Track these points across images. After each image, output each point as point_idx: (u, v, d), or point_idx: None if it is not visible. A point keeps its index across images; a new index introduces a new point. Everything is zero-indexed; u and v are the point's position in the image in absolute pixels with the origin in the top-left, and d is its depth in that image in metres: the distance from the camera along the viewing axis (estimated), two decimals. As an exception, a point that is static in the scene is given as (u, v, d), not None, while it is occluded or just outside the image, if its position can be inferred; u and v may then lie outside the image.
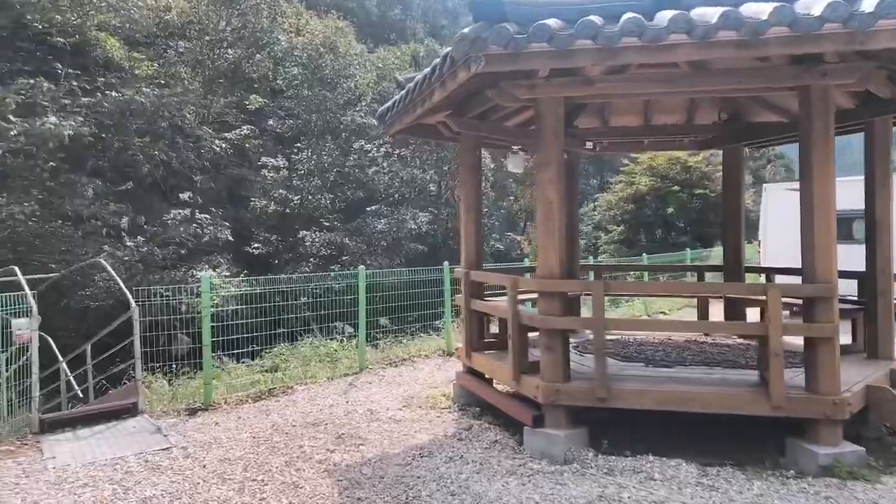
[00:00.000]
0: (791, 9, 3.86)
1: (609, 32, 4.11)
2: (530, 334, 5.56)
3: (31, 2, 15.41)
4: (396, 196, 22.19)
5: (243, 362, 8.60)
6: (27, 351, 6.31)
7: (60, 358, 8.78)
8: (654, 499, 4.05)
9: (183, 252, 16.86)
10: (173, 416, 6.60)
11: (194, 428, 6.11)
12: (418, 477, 4.58)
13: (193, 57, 20.06)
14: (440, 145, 21.30)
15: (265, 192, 20.51)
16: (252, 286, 9.22)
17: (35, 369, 6.13)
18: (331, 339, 9.56)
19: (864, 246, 6.09)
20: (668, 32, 4.05)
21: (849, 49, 4.10)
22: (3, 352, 6.86)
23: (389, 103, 6.56)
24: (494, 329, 6.84)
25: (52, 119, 14.13)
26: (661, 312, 14.05)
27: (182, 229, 16.95)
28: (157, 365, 7.66)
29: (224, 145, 19.48)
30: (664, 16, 4.05)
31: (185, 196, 19.11)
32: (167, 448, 5.44)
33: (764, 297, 4.77)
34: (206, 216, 18.16)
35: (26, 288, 6.56)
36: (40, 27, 16.20)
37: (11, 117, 13.80)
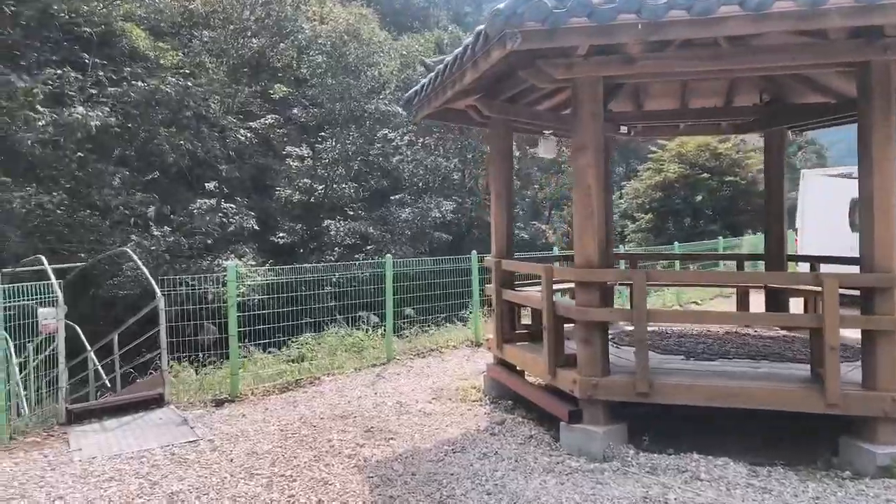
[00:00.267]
0: (855, -24, 3.58)
1: (654, 4, 3.86)
2: (565, 326, 5.34)
3: (58, -9, 15.53)
4: (420, 185, 21.98)
5: (270, 352, 8.53)
6: (54, 340, 6.27)
7: (88, 347, 8.80)
8: (702, 500, 3.81)
9: (209, 242, 16.88)
10: (200, 406, 6.51)
11: (221, 419, 6.02)
12: (452, 474, 4.39)
13: (218, 46, 20.04)
14: (464, 133, 21.03)
15: (290, 181, 20.44)
16: (278, 275, 9.12)
17: (62, 359, 6.07)
18: (357, 329, 9.44)
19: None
20: (718, 4, 3.80)
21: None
22: (29, 341, 6.84)
23: (417, 87, 6.35)
24: (525, 320, 6.64)
25: (80, 109, 14.24)
26: (694, 302, 13.68)
27: (208, 219, 16.98)
28: (184, 354, 7.61)
29: (249, 135, 19.47)
30: (714, -14, 3.78)
31: (210, 185, 19.13)
32: (194, 441, 5.34)
33: (817, 288, 4.49)
34: (232, 206, 18.16)
35: (52, 277, 6.52)
36: (67, 17, 16.31)
37: (40, 107, 13.93)
